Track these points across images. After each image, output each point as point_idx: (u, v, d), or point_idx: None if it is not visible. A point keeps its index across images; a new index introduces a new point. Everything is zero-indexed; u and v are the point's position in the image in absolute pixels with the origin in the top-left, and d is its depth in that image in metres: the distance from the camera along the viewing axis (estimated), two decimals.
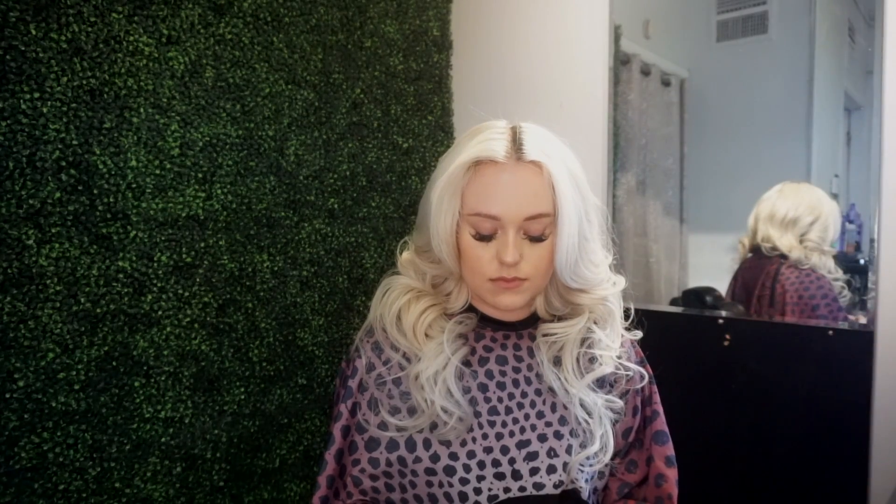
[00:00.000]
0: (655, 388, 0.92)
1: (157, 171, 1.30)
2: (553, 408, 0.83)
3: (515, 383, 0.84)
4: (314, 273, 1.63)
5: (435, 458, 0.79)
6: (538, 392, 0.84)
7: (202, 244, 1.38)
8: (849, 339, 1.40)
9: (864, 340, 1.38)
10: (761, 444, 1.50)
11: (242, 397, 1.47)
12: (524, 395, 0.84)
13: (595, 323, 0.86)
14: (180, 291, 1.35)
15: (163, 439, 1.32)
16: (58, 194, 1.16)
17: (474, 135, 0.82)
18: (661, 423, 0.90)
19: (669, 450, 0.89)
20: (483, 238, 0.79)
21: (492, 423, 0.81)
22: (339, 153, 1.67)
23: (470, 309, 0.87)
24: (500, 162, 0.78)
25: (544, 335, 0.86)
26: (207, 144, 1.39)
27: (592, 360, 0.85)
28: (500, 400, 0.83)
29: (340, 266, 1.70)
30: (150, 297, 1.30)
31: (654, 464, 0.89)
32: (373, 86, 1.76)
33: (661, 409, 0.91)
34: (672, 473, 0.88)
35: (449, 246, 0.81)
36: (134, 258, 1.27)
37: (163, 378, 1.32)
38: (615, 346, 0.86)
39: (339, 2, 1.66)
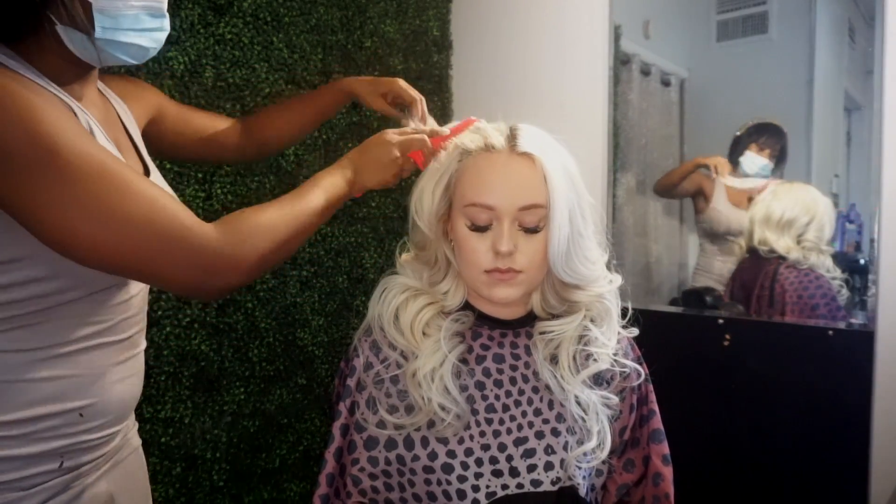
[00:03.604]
0: (651, 387, 0.92)
1: None
2: (550, 405, 0.84)
3: (512, 381, 0.84)
4: (314, 273, 1.63)
5: (433, 456, 0.79)
6: (535, 390, 0.84)
7: None
8: (849, 339, 1.40)
9: (864, 340, 1.38)
10: (761, 444, 1.50)
11: (242, 397, 1.47)
12: (521, 392, 0.84)
13: (592, 321, 0.87)
14: None
15: (163, 439, 1.32)
16: None
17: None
18: (658, 422, 0.90)
19: (665, 448, 0.89)
20: (478, 229, 0.80)
21: (489, 421, 0.81)
22: (339, 153, 1.66)
23: (467, 307, 0.88)
24: (495, 153, 0.80)
25: (541, 333, 0.86)
26: None
27: (588, 357, 0.85)
28: (497, 398, 0.83)
29: (340, 266, 1.70)
30: (150, 297, 1.30)
31: (651, 462, 0.89)
32: None
33: (656, 408, 0.91)
34: (669, 472, 0.88)
35: (434, 219, 0.84)
36: None
37: (163, 378, 1.32)
38: (611, 343, 0.86)
39: (339, 2, 1.66)
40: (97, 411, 0.79)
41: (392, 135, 0.92)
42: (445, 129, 0.92)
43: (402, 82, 1.12)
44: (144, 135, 0.97)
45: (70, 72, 0.77)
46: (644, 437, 0.90)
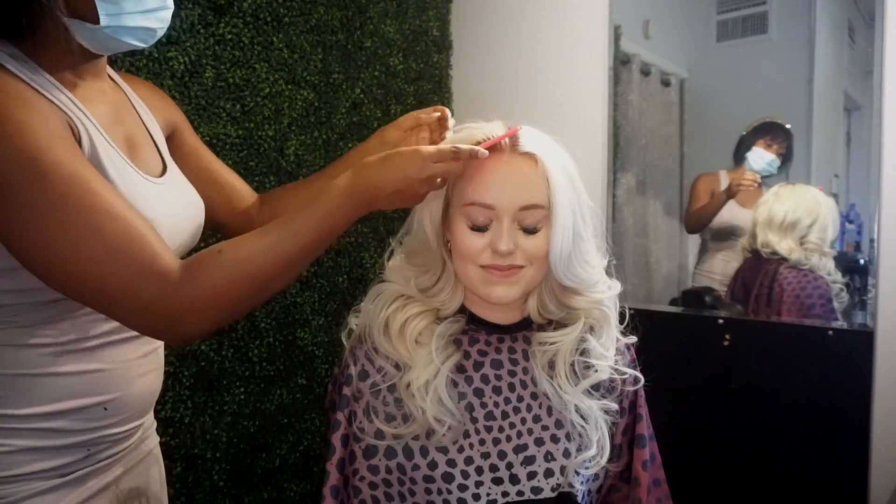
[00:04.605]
0: (642, 392, 0.91)
1: None
2: (549, 411, 0.83)
3: (511, 387, 0.84)
4: (314, 273, 1.63)
5: (432, 465, 0.78)
6: (534, 396, 0.84)
7: (202, 244, 1.38)
8: (849, 339, 1.40)
9: (864, 340, 1.38)
10: (761, 444, 1.50)
11: (242, 397, 1.47)
12: (520, 399, 0.83)
13: (591, 329, 0.86)
14: None
15: (163, 439, 1.32)
16: None
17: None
18: (642, 427, 0.89)
19: (646, 453, 0.88)
20: (477, 229, 0.79)
21: (489, 429, 0.81)
22: (339, 153, 1.66)
23: (463, 312, 0.87)
24: (496, 153, 0.79)
25: (539, 343, 0.85)
26: (207, 144, 1.38)
27: (588, 366, 0.84)
28: (496, 405, 0.82)
29: (340, 266, 1.70)
30: None
31: (632, 466, 0.88)
32: (373, 86, 1.76)
33: (644, 412, 0.90)
34: (645, 477, 0.86)
35: (435, 224, 0.82)
36: None
37: (163, 378, 1.32)
38: (610, 354, 0.85)
39: (339, 2, 1.66)
40: (120, 405, 0.81)
41: (429, 161, 0.75)
42: (484, 151, 0.77)
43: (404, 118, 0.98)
44: None
45: (75, 65, 0.76)
46: (630, 441, 0.90)
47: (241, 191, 1.05)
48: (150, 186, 0.81)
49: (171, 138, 0.97)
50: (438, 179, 0.78)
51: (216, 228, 1.05)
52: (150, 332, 0.73)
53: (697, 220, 1.70)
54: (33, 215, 0.65)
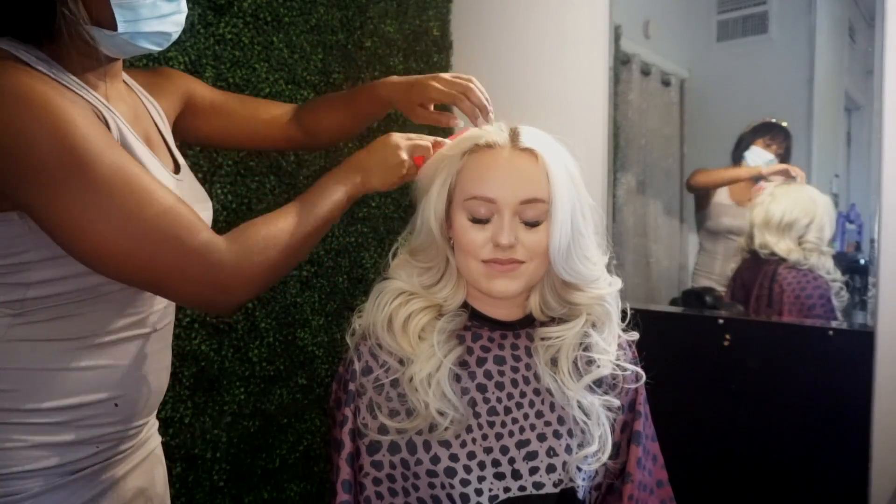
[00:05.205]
0: (643, 389, 0.91)
1: None
2: (552, 407, 0.84)
3: (514, 383, 0.84)
4: (314, 273, 1.63)
5: (435, 459, 0.79)
6: (537, 392, 0.84)
7: None
8: (849, 339, 1.40)
9: (864, 340, 1.38)
10: (761, 444, 1.50)
11: (242, 397, 1.47)
12: (523, 394, 0.84)
13: (593, 325, 0.87)
14: None
15: (163, 439, 1.32)
16: None
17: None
18: (640, 424, 0.89)
19: (640, 451, 0.88)
20: (479, 222, 0.81)
21: (491, 424, 0.81)
22: (340, 153, 1.67)
23: (466, 308, 0.87)
24: (497, 148, 0.81)
25: (542, 339, 0.86)
26: None
27: (590, 362, 0.85)
28: (498, 400, 0.83)
29: (340, 266, 1.70)
30: None
31: (628, 462, 0.89)
32: None
33: (643, 410, 0.91)
34: (638, 475, 0.87)
35: (438, 221, 0.83)
36: None
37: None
38: (612, 349, 0.86)
39: (339, 2, 1.66)
40: (131, 401, 0.83)
41: (399, 137, 0.92)
42: (447, 140, 0.91)
43: (436, 85, 0.99)
44: (179, 125, 0.98)
45: (96, 69, 0.78)
46: (627, 438, 0.90)
47: (280, 115, 1.11)
48: (173, 180, 0.84)
49: (191, 104, 1.01)
50: (414, 159, 0.92)
51: (276, 151, 1.16)
52: (199, 303, 0.80)
53: (705, 180, 1.68)
54: (80, 203, 0.67)
